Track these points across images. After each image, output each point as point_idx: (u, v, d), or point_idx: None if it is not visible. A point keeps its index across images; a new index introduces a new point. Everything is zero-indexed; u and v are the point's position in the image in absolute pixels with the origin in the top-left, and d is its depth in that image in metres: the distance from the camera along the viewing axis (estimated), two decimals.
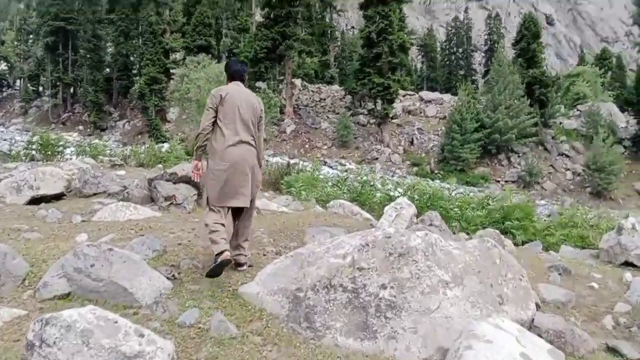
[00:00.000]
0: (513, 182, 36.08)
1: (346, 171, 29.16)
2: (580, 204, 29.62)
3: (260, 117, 4.30)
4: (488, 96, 40.11)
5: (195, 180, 4.19)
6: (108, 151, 16.89)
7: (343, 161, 38.47)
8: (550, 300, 4.50)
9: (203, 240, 4.87)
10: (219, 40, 53.93)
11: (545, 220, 9.37)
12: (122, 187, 7.35)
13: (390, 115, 41.43)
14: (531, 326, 3.55)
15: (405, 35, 40.80)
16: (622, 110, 45.34)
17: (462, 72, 71.77)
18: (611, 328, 4.12)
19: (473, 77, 70.32)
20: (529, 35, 41.75)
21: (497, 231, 6.71)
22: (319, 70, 55.21)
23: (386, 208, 6.48)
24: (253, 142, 4.17)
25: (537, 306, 3.90)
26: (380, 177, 13.25)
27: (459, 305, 3.21)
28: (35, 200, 6.84)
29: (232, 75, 4.33)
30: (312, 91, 50.49)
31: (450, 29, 78.64)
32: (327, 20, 61.36)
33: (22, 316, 3.31)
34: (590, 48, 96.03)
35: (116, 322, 2.56)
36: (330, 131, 42.60)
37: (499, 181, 36.52)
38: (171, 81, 43.84)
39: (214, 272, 3.75)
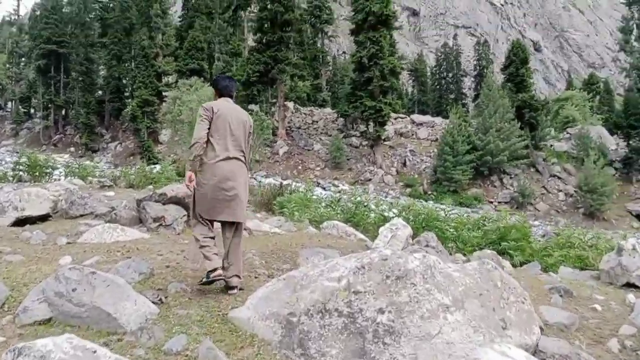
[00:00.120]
0: (506, 203, 36.17)
1: (339, 192, 29.07)
2: (574, 224, 29.72)
3: (250, 132, 4.27)
4: (479, 119, 40.49)
5: (190, 191, 4.04)
6: (98, 172, 16.69)
7: (336, 182, 38.41)
8: (553, 323, 4.33)
9: (192, 263, 4.71)
10: (212, 63, 54.18)
11: (540, 240, 9.26)
12: (110, 208, 7.16)
13: (383, 137, 41.62)
14: (536, 351, 3.40)
15: (395, 60, 41.25)
16: (612, 133, 45.89)
17: (452, 96, 72.45)
18: (617, 351, 3.96)
19: (463, 101, 70.98)
20: (518, 60, 42.44)
21: (495, 252, 6.57)
22: (311, 94, 55.56)
23: (381, 229, 6.34)
24: (243, 158, 4.13)
25: (541, 329, 3.75)
26: (374, 198, 13.12)
27: (461, 330, 3.05)
28: (20, 222, 6.63)
29: (221, 91, 4.28)
30: (305, 114, 50.71)
31: (439, 54, 79.64)
32: (319, 45, 62.06)
33: (0, 342, 3.12)
34: (577, 73, 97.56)
35: (95, 351, 2.38)
36: (323, 153, 42.66)
37: (492, 202, 36.63)
38: (163, 103, 43.88)
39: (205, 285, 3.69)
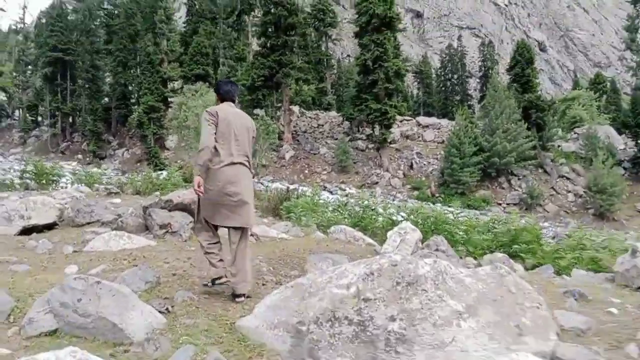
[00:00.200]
0: (515, 204, 35.92)
1: (346, 195, 28.98)
2: (584, 225, 29.42)
3: (253, 137, 4.26)
4: (485, 120, 40.27)
5: (200, 195, 3.96)
6: (106, 179, 16.70)
7: (343, 186, 38.31)
8: (569, 327, 4.22)
9: (199, 270, 4.65)
10: (217, 69, 54.32)
11: (550, 242, 9.12)
12: (116, 216, 7.12)
13: (389, 140, 41.48)
14: (553, 358, 3.30)
15: (400, 62, 41.15)
16: (620, 132, 45.54)
17: (457, 98, 72.21)
18: (637, 356, 3.84)
19: (469, 102, 70.74)
20: (523, 61, 42.19)
21: (506, 255, 6.47)
22: (316, 97, 55.56)
23: (390, 233, 6.25)
24: (247, 163, 4.11)
25: (557, 335, 3.64)
26: (382, 201, 13.02)
27: (475, 338, 2.96)
28: (26, 231, 6.61)
29: (223, 95, 4.26)
30: (310, 117, 50.68)
31: (444, 56, 79.42)
32: (323, 48, 62.09)
33: (6, 355, 3.06)
34: (583, 73, 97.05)
35: None
36: (329, 156, 42.58)
37: (500, 204, 36.39)
38: (169, 109, 44.00)
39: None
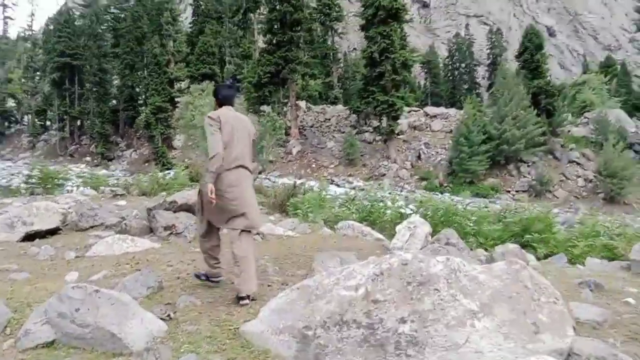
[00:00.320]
0: (524, 191, 35.61)
1: (353, 188, 28.79)
2: (594, 210, 29.08)
3: (254, 140, 4.27)
4: (494, 108, 39.86)
5: (213, 202, 3.90)
6: (114, 180, 16.67)
7: (350, 179, 38.17)
8: (585, 320, 4.06)
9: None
10: (223, 67, 54.32)
11: (560, 228, 8.90)
12: (120, 219, 7.03)
13: (396, 132, 41.23)
14: (570, 353, 3.13)
15: (407, 53, 40.79)
16: (630, 115, 44.88)
17: (465, 87, 71.66)
18: None
19: (477, 91, 70.13)
20: (532, 47, 41.67)
21: (518, 246, 6.28)
22: (323, 92, 55.36)
23: (399, 227, 6.09)
24: (249, 166, 4.10)
25: (573, 329, 3.48)
26: (390, 194, 12.84)
27: (490, 338, 2.81)
28: (29, 237, 6.52)
29: (222, 100, 4.22)
30: (317, 112, 50.50)
31: (451, 45, 78.74)
32: (329, 43, 61.79)
33: None
34: (593, 56, 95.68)
35: None
36: (337, 150, 42.42)
37: (509, 191, 36.06)
38: (176, 109, 44.08)
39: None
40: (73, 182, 14.70)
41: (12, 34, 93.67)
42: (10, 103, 70.46)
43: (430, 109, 49.76)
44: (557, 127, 40.06)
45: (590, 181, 36.16)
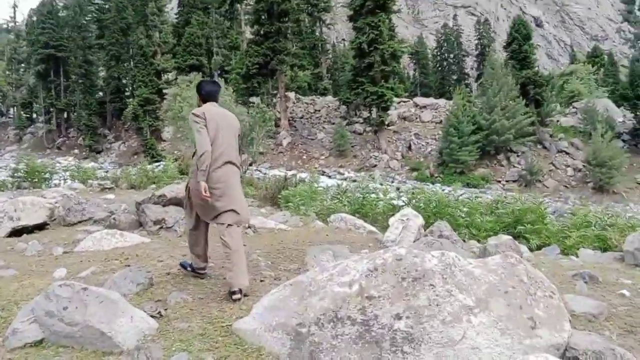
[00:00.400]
0: (514, 181, 35.83)
1: (345, 180, 28.74)
2: (584, 199, 29.30)
3: (238, 135, 4.26)
4: (483, 98, 39.95)
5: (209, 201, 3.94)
6: (103, 173, 16.47)
7: (341, 170, 38.14)
8: (580, 313, 4.04)
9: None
10: (210, 58, 53.82)
11: (551, 217, 8.90)
12: (109, 213, 6.92)
13: (386, 123, 41.21)
14: (567, 348, 3.11)
15: (396, 44, 40.67)
16: (618, 105, 45.21)
17: (454, 77, 71.74)
18: None
19: (466, 81, 70.23)
20: (520, 37, 41.74)
21: (511, 237, 6.27)
22: (312, 83, 55.14)
23: (391, 220, 6.05)
24: (235, 162, 4.09)
25: (570, 323, 3.46)
26: (381, 185, 12.80)
27: (487, 334, 2.77)
28: (16, 232, 6.40)
29: (205, 96, 4.21)
30: (306, 103, 50.32)
31: (440, 36, 78.69)
32: (317, 34, 61.42)
33: None
34: (580, 47, 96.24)
35: None
36: (327, 141, 42.34)
37: (499, 181, 36.25)
38: (164, 101, 43.64)
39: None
40: (60, 175, 14.49)
41: None
42: None
43: (420, 100, 49.79)
44: (546, 117, 40.26)
45: (579, 171, 36.45)
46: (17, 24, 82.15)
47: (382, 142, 40.55)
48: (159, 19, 50.59)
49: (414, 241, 5.66)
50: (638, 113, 40.21)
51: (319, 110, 48.82)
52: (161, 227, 6.24)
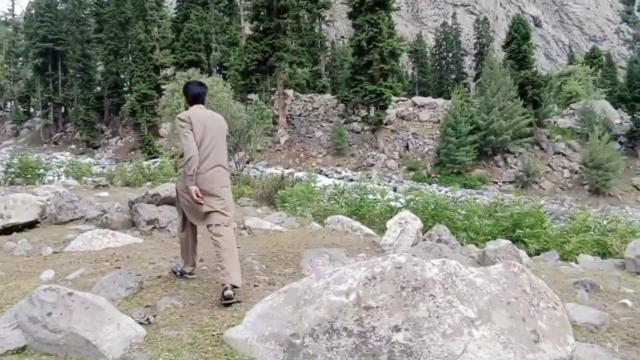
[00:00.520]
0: (511, 182, 35.78)
1: (342, 178, 28.60)
2: (580, 201, 29.21)
3: (227, 135, 4.28)
4: (481, 98, 39.85)
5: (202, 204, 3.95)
6: (99, 169, 16.28)
7: (339, 169, 38.02)
8: (582, 323, 3.94)
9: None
10: (209, 54, 53.55)
11: (552, 224, 8.81)
12: (101, 212, 6.78)
13: (384, 122, 41.09)
14: None
15: (395, 42, 40.53)
16: (616, 107, 45.16)
17: (453, 76, 71.60)
18: None
19: (464, 81, 70.15)
20: (519, 37, 41.66)
21: (509, 242, 6.16)
22: (311, 80, 54.92)
23: (389, 223, 5.93)
24: (224, 163, 4.08)
25: (574, 337, 3.35)
26: (379, 184, 12.66)
27: (489, 347, 2.66)
28: (6, 230, 6.26)
29: (192, 99, 4.18)
30: (305, 101, 50.14)
31: (439, 34, 78.52)
32: (317, 30, 61.19)
33: None
34: (578, 47, 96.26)
35: None
36: (325, 140, 42.19)
37: (496, 182, 36.20)
38: (162, 97, 43.39)
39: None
40: (54, 171, 14.31)
41: None
42: None
43: (418, 99, 49.66)
44: (544, 118, 40.22)
45: (576, 172, 36.41)
46: (15, 16, 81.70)
47: (379, 141, 40.43)
48: (158, 13, 50.35)
49: (412, 245, 5.55)
50: (635, 115, 40.15)
51: (317, 108, 48.66)
52: (154, 227, 6.11)
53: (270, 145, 40.70)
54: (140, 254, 4.98)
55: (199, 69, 40.97)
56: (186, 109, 4.19)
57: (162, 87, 45.63)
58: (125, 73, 54.04)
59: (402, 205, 8.45)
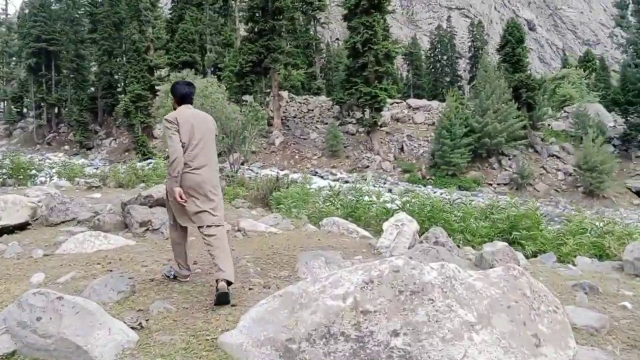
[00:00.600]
0: (505, 184, 35.90)
1: (337, 180, 28.55)
2: (574, 203, 29.30)
3: (216, 135, 4.23)
4: (476, 101, 39.99)
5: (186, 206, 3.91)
6: (93, 170, 16.14)
7: (334, 171, 38.00)
8: (582, 326, 3.90)
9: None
10: (204, 55, 53.44)
11: (549, 227, 8.79)
12: (94, 213, 6.69)
13: (379, 124, 41.12)
14: None
15: (390, 45, 40.57)
16: (609, 110, 45.41)
17: (447, 79, 71.75)
18: None
19: (459, 83, 70.29)
20: (513, 40, 41.88)
21: (506, 244, 6.12)
22: (306, 82, 54.89)
23: (386, 225, 5.88)
24: (213, 163, 4.04)
25: (575, 341, 3.30)
26: (374, 186, 12.62)
27: (489, 352, 2.60)
28: None
29: (181, 98, 4.14)
30: (300, 102, 50.10)
31: (433, 37, 78.70)
32: (312, 32, 61.20)
33: None
34: (572, 51, 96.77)
35: None
36: (320, 141, 42.16)
37: (491, 184, 36.29)
38: (156, 97, 43.21)
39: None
40: (46, 172, 14.17)
41: None
42: None
43: (413, 101, 49.74)
44: (538, 121, 40.42)
45: (570, 175, 36.56)
46: (8, 16, 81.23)
47: (374, 143, 40.44)
48: (153, 14, 50.16)
49: (409, 247, 5.49)
50: (629, 118, 40.36)
51: (312, 110, 48.63)
52: (147, 229, 6.02)
53: (265, 146, 40.65)
54: (132, 257, 4.90)
55: (193, 70, 40.85)
56: (174, 109, 4.14)
57: (157, 88, 45.40)
58: (119, 74, 53.78)
59: (398, 207, 8.41)
